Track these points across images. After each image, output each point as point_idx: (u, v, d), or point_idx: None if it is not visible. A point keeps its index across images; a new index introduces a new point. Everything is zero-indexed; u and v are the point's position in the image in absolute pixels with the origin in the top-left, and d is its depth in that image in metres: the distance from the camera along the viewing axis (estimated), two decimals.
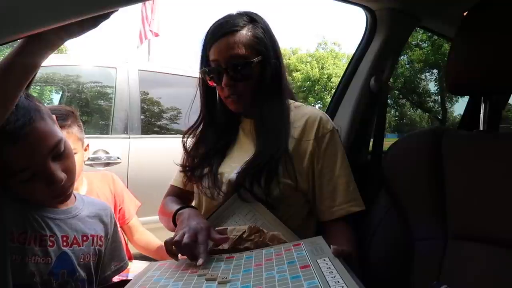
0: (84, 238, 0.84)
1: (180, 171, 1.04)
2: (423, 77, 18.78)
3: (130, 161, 2.45)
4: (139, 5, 5.37)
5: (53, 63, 2.48)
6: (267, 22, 0.97)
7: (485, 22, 0.85)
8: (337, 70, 22.25)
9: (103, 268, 0.89)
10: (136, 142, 2.53)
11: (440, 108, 18.87)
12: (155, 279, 0.71)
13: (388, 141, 1.14)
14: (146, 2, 5.33)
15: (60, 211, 0.83)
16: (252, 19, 0.93)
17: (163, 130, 2.92)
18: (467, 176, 0.83)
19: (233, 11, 0.96)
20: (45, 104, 0.81)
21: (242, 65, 0.89)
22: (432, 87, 18.92)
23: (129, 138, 2.51)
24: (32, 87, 0.80)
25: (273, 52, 0.94)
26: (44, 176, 0.74)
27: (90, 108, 2.86)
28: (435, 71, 18.15)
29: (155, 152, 2.53)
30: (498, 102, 0.94)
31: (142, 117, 2.69)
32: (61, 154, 0.77)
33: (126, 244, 1.36)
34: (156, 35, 5.88)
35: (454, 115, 18.48)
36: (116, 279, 0.97)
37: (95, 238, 0.86)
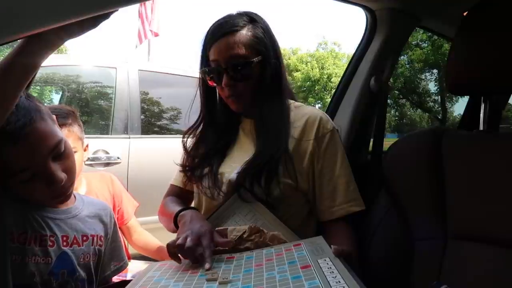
0: (84, 238, 0.84)
1: (180, 171, 1.04)
2: (423, 77, 18.79)
3: (130, 161, 2.45)
4: (138, 5, 5.36)
5: (53, 63, 2.48)
6: (267, 22, 0.97)
7: (485, 22, 0.85)
8: (337, 70, 22.25)
9: (103, 268, 0.89)
10: (136, 142, 2.53)
11: (440, 108, 18.87)
12: (156, 279, 0.71)
13: (388, 141, 1.14)
14: (146, 2, 5.33)
15: (60, 211, 0.83)
16: (252, 19, 0.93)
17: (163, 130, 2.92)
18: (467, 176, 0.83)
19: (233, 11, 0.96)
20: (45, 104, 0.81)
21: (242, 65, 0.90)
22: (432, 87, 18.94)
23: (129, 138, 2.51)
24: (32, 87, 0.80)
25: (273, 52, 0.94)
26: (44, 176, 0.74)
27: (90, 108, 2.86)
28: (435, 71, 18.15)
29: (155, 152, 2.53)
30: (498, 102, 0.94)
31: (142, 117, 2.69)
32: (61, 154, 0.77)
33: (125, 244, 1.36)
34: (156, 35, 5.87)
35: (454, 115, 18.49)
36: (115, 279, 0.97)
37: (95, 238, 0.86)
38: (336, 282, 0.57)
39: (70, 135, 1.17)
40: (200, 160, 0.98)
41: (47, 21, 0.52)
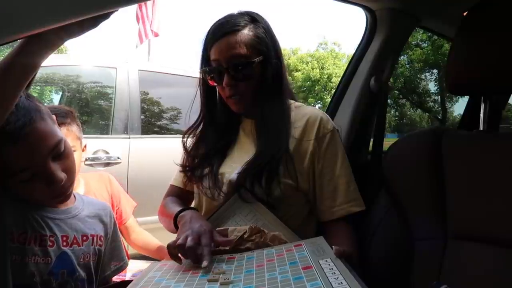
0: (84, 238, 0.84)
1: (180, 171, 1.04)
2: (423, 77, 18.79)
3: (130, 161, 2.45)
4: (138, 5, 5.36)
5: (53, 63, 2.48)
6: (268, 22, 0.97)
7: (485, 22, 0.85)
8: (337, 70, 22.25)
9: (103, 268, 0.89)
10: (136, 142, 2.53)
11: (440, 108, 18.87)
12: (157, 280, 0.71)
13: (388, 141, 1.14)
14: (147, 2, 5.33)
15: (60, 211, 0.83)
16: (253, 19, 0.93)
17: (163, 130, 2.92)
18: (467, 176, 0.83)
19: (234, 11, 0.96)
20: (45, 104, 0.81)
21: (243, 65, 0.89)
22: (432, 87, 18.94)
23: (129, 138, 2.51)
24: (32, 87, 0.80)
25: (274, 52, 0.94)
26: (44, 176, 0.74)
27: (90, 108, 2.86)
28: (435, 71, 18.15)
29: (155, 152, 2.53)
30: (498, 102, 0.94)
31: (142, 117, 2.69)
32: (61, 154, 0.77)
33: (124, 244, 1.36)
34: (156, 35, 5.86)
35: (454, 115, 18.49)
36: (115, 279, 0.97)
37: (95, 238, 0.86)
38: (338, 284, 0.57)
39: (69, 134, 1.17)
40: (200, 160, 0.98)
41: (47, 21, 0.52)
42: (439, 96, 18.62)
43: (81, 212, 0.86)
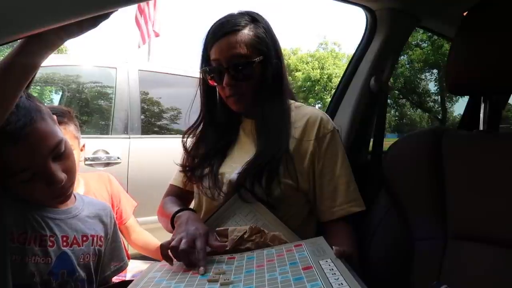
0: (84, 238, 0.84)
1: (180, 171, 1.04)
2: (423, 77, 18.78)
3: (130, 161, 2.46)
4: (140, 5, 5.36)
5: (53, 63, 2.48)
6: (268, 22, 0.97)
7: (485, 22, 0.85)
8: (337, 70, 22.25)
9: (103, 268, 0.89)
10: (136, 142, 2.53)
11: (440, 108, 18.87)
12: (157, 280, 0.71)
13: (388, 141, 1.14)
14: (149, 2, 5.34)
15: (60, 211, 0.83)
16: (253, 18, 0.93)
17: (163, 130, 2.93)
18: (467, 176, 0.83)
19: (234, 10, 0.96)
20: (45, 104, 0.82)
21: (244, 64, 0.89)
22: (432, 87, 18.93)
23: (129, 138, 2.52)
24: (32, 87, 0.80)
25: (274, 52, 0.94)
26: (45, 177, 0.74)
27: (90, 108, 2.86)
28: (435, 71, 18.14)
29: (155, 152, 2.53)
30: (498, 102, 0.94)
31: (142, 117, 2.69)
32: (61, 154, 0.77)
33: (124, 244, 1.36)
34: (157, 35, 5.87)
35: (454, 115, 18.49)
36: (115, 279, 0.96)
37: (95, 238, 0.86)
38: (339, 284, 0.57)
39: (66, 133, 1.17)
40: (200, 160, 0.98)
41: (47, 21, 0.52)
42: (439, 96, 18.61)
43: (81, 212, 0.86)
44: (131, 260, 1.33)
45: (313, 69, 23.12)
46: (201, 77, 0.98)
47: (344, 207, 0.90)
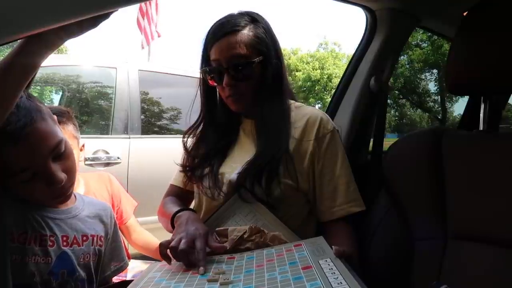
0: (84, 238, 0.84)
1: (181, 171, 1.04)
2: (423, 77, 18.79)
3: (130, 161, 2.46)
4: (142, 6, 5.36)
5: (53, 63, 2.48)
6: (268, 22, 0.97)
7: (485, 22, 0.85)
8: (337, 71, 22.26)
9: (103, 268, 0.89)
10: (136, 142, 2.53)
11: (440, 108, 18.87)
12: (157, 280, 0.71)
13: (388, 141, 1.14)
14: (152, 2, 5.34)
15: (60, 211, 0.83)
16: (253, 19, 0.93)
17: (163, 130, 2.93)
18: (467, 176, 0.83)
19: (234, 11, 0.96)
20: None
21: (243, 65, 0.89)
22: (432, 87, 18.94)
23: (129, 138, 2.52)
24: (32, 87, 0.80)
25: (274, 52, 0.94)
26: (45, 177, 0.74)
27: (90, 108, 2.86)
28: (435, 71, 18.15)
29: (155, 152, 2.53)
30: (498, 102, 0.94)
31: (142, 117, 2.69)
32: (61, 154, 0.77)
33: (124, 244, 1.36)
34: (159, 35, 5.88)
35: (454, 115, 18.49)
36: (115, 279, 0.96)
37: (95, 238, 0.86)
38: (338, 283, 0.57)
39: (65, 133, 1.17)
40: (201, 160, 0.98)
41: (47, 21, 0.52)
42: (439, 96, 18.62)
43: (82, 212, 0.86)
44: (131, 260, 1.33)
45: (313, 69, 23.13)
46: (201, 77, 0.98)
47: (344, 207, 0.90)
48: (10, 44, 0.58)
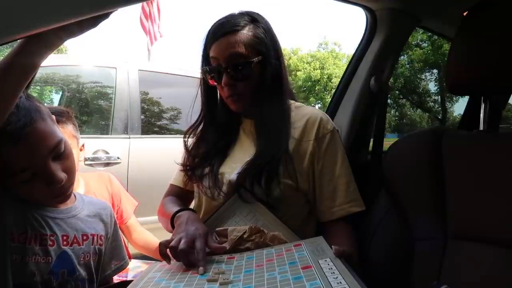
0: (84, 237, 0.84)
1: (181, 170, 1.04)
2: (423, 77, 18.79)
3: (130, 161, 2.46)
4: (144, 6, 5.37)
5: (53, 63, 2.48)
6: (269, 22, 0.97)
7: (485, 22, 0.85)
8: (337, 71, 22.27)
9: (103, 267, 0.89)
10: (136, 142, 2.53)
11: (440, 108, 18.87)
12: (157, 280, 0.71)
13: (388, 141, 1.14)
14: (153, 3, 5.35)
15: (60, 210, 0.83)
16: (253, 19, 0.93)
17: (163, 130, 2.93)
18: (467, 176, 0.83)
19: (235, 10, 0.96)
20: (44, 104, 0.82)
21: (242, 64, 0.89)
22: (432, 87, 18.95)
23: (129, 138, 2.51)
24: (32, 87, 0.80)
25: (274, 52, 0.94)
26: (45, 176, 0.74)
27: (90, 108, 2.86)
28: (435, 71, 18.16)
29: (155, 152, 2.53)
30: (498, 102, 0.94)
31: (142, 117, 2.69)
32: (61, 154, 0.77)
33: (125, 245, 1.36)
34: (161, 35, 5.89)
35: (454, 115, 18.50)
36: (115, 279, 0.96)
37: (95, 237, 0.86)
38: (338, 283, 0.57)
39: (64, 133, 1.17)
40: (201, 160, 0.98)
41: (47, 21, 0.52)
42: (439, 96, 18.62)
43: (81, 212, 0.86)
44: (132, 260, 1.33)
45: (313, 69, 23.14)
46: (202, 77, 0.98)
47: (344, 207, 0.90)
48: (10, 44, 0.58)
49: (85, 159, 2.19)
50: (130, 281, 0.72)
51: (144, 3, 4.76)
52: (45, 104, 0.81)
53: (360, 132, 1.28)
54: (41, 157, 0.73)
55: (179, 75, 2.86)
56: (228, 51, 0.89)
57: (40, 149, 0.73)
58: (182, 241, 0.75)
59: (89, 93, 2.86)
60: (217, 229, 0.84)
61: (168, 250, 0.77)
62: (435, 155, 0.87)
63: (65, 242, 0.80)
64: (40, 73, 1.74)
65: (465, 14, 0.89)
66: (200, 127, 1.02)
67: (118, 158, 2.42)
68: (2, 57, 0.64)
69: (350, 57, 1.41)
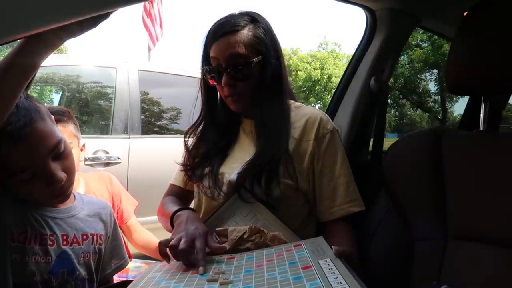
0: (84, 237, 0.84)
1: (181, 170, 1.04)
2: (423, 77, 18.80)
3: (130, 161, 2.46)
4: (146, 6, 5.36)
5: (53, 63, 2.48)
6: (269, 22, 0.97)
7: (485, 22, 0.85)
8: (337, 71, 22.28)
9: (103, 267, 0.89)
10: (136, 142, 2.53)
11: (440, 108, 18.87)
12: (156, 280, 0.71)
13: (388, 141, 1.14)
14: (154, 3, 5.34)
15: (60, 210, 0.83)
16: (253, 19, 0.93)
17: (163, 130, 2.93)
18: (467, 176, 0.83)
19: (235, 10, 0.96)
20: (45, 104, 0.82)
21: (242, 64, 0.90)
22: (432, 87, 18.95)
23: (129, 138, 2.51)
24: (32, 87, 0.80)
25: (274, 52, 0.94)
26: (44, 176, 0.74)
27: (90, 108, 2.86)
28: (435, 71, 18.16)
29: (155, 152, 2.53)
30: (498, 102, 0.94)
31: (142, 117, 2.69)
32: (61, 154, 0.77)
33: (126, 244, 1.36)
34: (162, 35, 5.88)
35: (454, 115, 18.50)
36: (116, 279, 0.96)
37: (95, 237, 0.86)
38: (338, 283, 0.57)
39: (65, 132, 1.18)
40: (201, 160, 0.98)
41: (47, 21, 0.52)
42: (439, 96, 18.62)
43: (81, 211, 0.86)
44: (133, 260, 1.33)
45: (314, 69, 23.15)
46: (202, 77, 0.98)
47: (344, 207, 0.90)
48: (10, 44, 0.58)
49: (85, 159, 2.19)
50: (130, 281, 0.72)
51: (146, 2, 4.76)
52: (46, 104, 0.81)
53: (360, 132, 1.28)
54: (41, 157, 0.73)
55: (179, 75, 2.86)
56: (228, 51, 0.89)
57: (40, 149, 0.73)
58: (182, 241, 0.75)
59: (89, 93, 2.86)
60: (217, 229, 0.84)
61: (168, 249, 0.77)
62: (435, 155, 0.87)
63: (65, 242, 0.80)
64: (40, 73, 1.75)
65: (465, 14, 0.89)
66: (200, 127, 1.02)
67: (118, 158, 2.42)
68: (2, 57, 0.64)
69: (350, 57, 1.41)
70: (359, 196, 0.93)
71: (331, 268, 0.62)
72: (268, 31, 0.94)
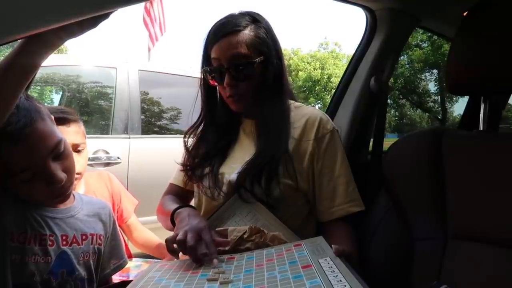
0: (84, 237, 0.84)
1: (181, 170, 1.04)
2: (423, 77, 18.80)
3: (130, 161, 2.45)
4: (147, 6, 5.37)
5: (53, 63, 2.48)
6: (269, 22, 0.97)
7: (485, 22, 0.85)
8: (337, 71, 22.29)
9: (102, 266, 0.89)
10: (136, 142, 2.53)
11: (440, 108, 18.87)
12: (157, 279, 0.71)
13: (388, 141, 1.14)
14: (154, 3, 5.34)
15: (59, 210, 0.83)
16: (254, 19, 0.93)
17: (163, 130, 2.92)
18: (467, 176, 0.83)
19: (235, 11, 0.96)
20: (50, 105, 0.82)
21: (244, 65, 0.89)
22: (432, 87, 18.95)
23: (129, 138, 2.51)
24: (32, 87, 0.80)
25: (275, 52, 0.94)
26: (45, 176, 0.74)
27: (90, 108, 2.86)
28: (435, 71, 18.16)
29: (155, 152, 2.53)
30: (498, 102, 0.94)
31: (142, 117, 2.69)
32: (61, 154, 0.77)
33: (126, 243, 1.36)
34: (162, 34, 5.88)
35: (454, 115, 18.50)
36: (116, 279, 0.96)
37: (95, 237, 0.86)
38: (338, 281, 0.57)
39: (80, 131, 1.19)
40: (201, 160, 0.98)
41: (47, 21, 0.52)
42: (439, 96, 18.62)
43: (81, 212, 0.86)
44: (133, 259, 1.33)
45: (314, 69, 23.16)
46: (202, 77, 0.98)
47: (343, 207, 0.90)
48: (10, 44, 0.58)
49: None
50: (130, 281, 0.72)
51: (147, 2, 4.76)
52: (49, 105, 0.81)
53: (360, 132, 1.28)
54: (41, 157, 0.73)
55: (179, 75, 2.85)
56: (230, 51, 0.89)
57: (40, 149, 0.73)
58: (189, 236, 0.75)
59: (89, 93, 2.86)
60: (217, 229, 0.84)
61: (175, 245, 0.77)
62: (435, 155, 0.87)
63: (64, 242, 0.80)
64: (40, 73, 1.75)
65: (465, 14, 0.89)
66: (200, 127, 1.02)
67: (118, 158, 2.42)
68: (2, 57, 0.64)
69: (350, 57, 1.41)
70: (359, 196, 0.93)
71: (331, 267, 0.62)
72: (269, 31, 0.94)
